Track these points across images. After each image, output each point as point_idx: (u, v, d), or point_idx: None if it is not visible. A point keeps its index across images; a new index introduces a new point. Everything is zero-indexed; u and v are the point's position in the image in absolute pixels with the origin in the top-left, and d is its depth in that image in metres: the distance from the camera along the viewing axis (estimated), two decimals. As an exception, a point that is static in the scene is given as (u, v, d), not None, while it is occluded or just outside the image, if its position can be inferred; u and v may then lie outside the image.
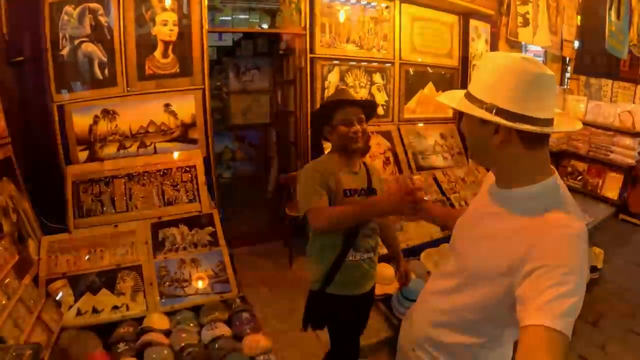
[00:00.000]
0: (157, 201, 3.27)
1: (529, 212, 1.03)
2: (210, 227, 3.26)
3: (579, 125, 1.13)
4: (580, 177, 7.01)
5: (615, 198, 6.59)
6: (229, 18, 3.94)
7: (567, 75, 7.55)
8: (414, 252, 3.81)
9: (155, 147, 3.46)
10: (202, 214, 3.32)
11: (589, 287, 4.05)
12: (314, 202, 1.81)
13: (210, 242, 3.18)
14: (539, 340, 0.83)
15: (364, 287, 2.04)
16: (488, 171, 1.23)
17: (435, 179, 4.70)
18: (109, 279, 2.78)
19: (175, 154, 3.48)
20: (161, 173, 3.36)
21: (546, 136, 1.04)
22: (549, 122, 1.00)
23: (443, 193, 4.60)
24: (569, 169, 7.25)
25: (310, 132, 4.24)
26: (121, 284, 2.78)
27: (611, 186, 6.76)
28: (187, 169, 3.45)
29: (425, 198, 1.53)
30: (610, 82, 6.91)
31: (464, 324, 1.17)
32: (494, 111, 1.00)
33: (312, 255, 2.02)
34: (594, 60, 5.92)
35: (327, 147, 2.14)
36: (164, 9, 3.37)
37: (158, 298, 2.77)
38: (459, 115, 1.23)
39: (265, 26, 4.25)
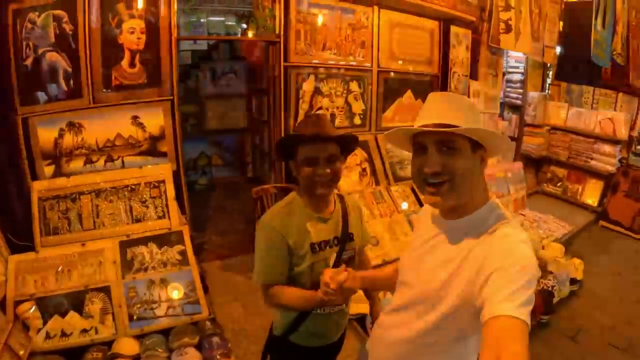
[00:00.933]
0: (126, 218, 3.31)
1: (478, 232, 1.17)
2: (180, 245, 3.31)
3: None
4: (560, 184, 7.23)
5: (596, 205, 6.91)
6: (204, 20, 3.89)
7: (548, 81, 7.71)
8: (392, 265, 3.81)
9: (123, 161, 3.49)
10: (171, 231, 3.37)
11: (569, 300, 4.21)
12: (266, 279, 1.69)
13: (180, 261, 3.24)
14: (504, 328, 0.95)
15: (331, 338, 1.89)
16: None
17: (413, 190, 4.79)
18: (77, 301, 2.82)
19: (144, 169, 3.50)
20: (129, 189, 3.40)
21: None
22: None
23: (421, 204, 4.64)
24: (549, 175, 7.45)
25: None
26: (90, 306, 2.82)
27: (591, 193, 6.99)
28: (156, 184, 3.49)
29: (343, 281, 1.42)
30: (591, 88, 7.10)
31: (428, 348, 1.28)
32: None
33: None
34: (575, 67, 6.09)
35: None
36: (131, 16, 3.35)
37: (127, 321, 2.83)
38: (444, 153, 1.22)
39: (244, 27, 4.21)
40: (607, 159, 6.64)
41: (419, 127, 1.19)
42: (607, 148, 6.66)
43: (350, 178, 4.41)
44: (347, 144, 1.76)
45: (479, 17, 5.44)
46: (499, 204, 1.24)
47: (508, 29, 5.37)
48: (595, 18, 5.15)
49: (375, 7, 4.64)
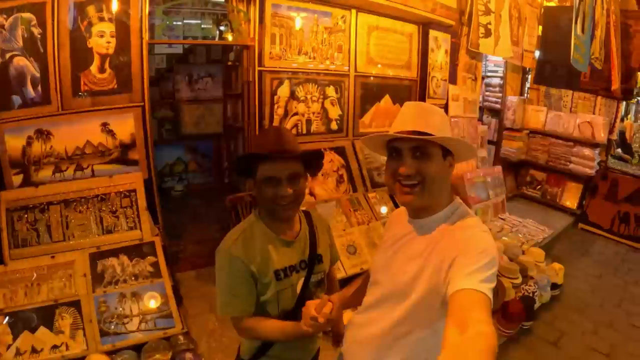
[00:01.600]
0: (96, 229, 3.30)
1: (444, 228, 1.31)
2: (152, 257, 3.32)
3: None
4: (539, 187, 7.41)
5: (575, 207, 7.16)
6: (180, 23, 3.86)
7: (527, 85, 7.87)
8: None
9: (92, 170, 3.47)
10: (143, 242, 3.37)
11: (550, 305, 4.28)
12: (235, 312, 1.58)
13: (152, 274, 3.24)
14: (467, 299, 1.04)
15: (303, 358, 1.82)
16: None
17: (391, 196, 4.83)
18: (47, 316, 2.80)
19: (114, 178, 3.48)
20: (99, 198, 3.38)
21: None
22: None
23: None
24: (528, 178, 7.61)
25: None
26: (60, 321, 2.80)
27: (570, 196, 7.17)
28: (127, 193, 3.49)
29: (329, 313, 1.38)
30: (570, 92, 7.26)
31: (400, 340, 1.35)
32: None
33: None
34: (554, 71, 6.21)
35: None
36: (101, 19, 3.32)
37: (98, 336, 2.82)
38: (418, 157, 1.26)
39: (221, 30, 4.19)
40: (586, 162, 6.83)
41: (396, 133, 1.29)
42: (586, 151, 6.84)
43: (327, 185, 4.43)
44: (311, 160, 1.66)
45: (458, 21, 5.55)
46: (462, 202, 1.39)
47: (487, 33, 5.45)
48: (575, 22, 5.24)
49: (353, 11, 4.69)
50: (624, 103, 8.25)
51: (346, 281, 2.83)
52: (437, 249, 1.26)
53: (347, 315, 2.08)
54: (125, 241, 3.29)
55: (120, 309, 2.95)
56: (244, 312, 1.57)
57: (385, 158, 1.40)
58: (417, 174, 1.28)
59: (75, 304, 2.88)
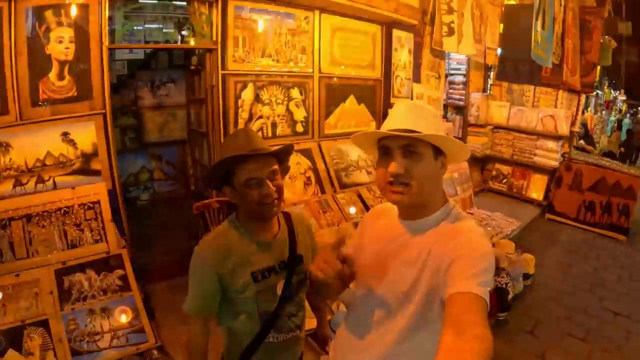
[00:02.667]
0: (60, 244, 3.19)
1: (438, 231, 1.29)
2: (119, 270, 3.24)
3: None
4: (505, 180, 7.64)
5: (541, 199, 7.51)
6: (140, 28, 3.80)
7: (490, 81, 8.08)
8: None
9: (54, 182, 3.35)
10: (110, 255, 3.28)
11: (524, 295, 4.41)
12: (192, 310, 1.63)
13: (120, 287, 3.17)
14: (465, 303, 1.04)
15: None
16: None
17: (359, 196, 4.88)
18: (15, 338, 2.69)
19: (77, 189, 3.38)
20: (62, 212, 3.27)
21: None
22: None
23: (367, 210, 4.69)
24: (494, 172, 7.82)
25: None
26: (29, 342, 2.70)
27: (536, 187, 7.42)
28: (91, 205, 3.39)
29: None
30: (532, 87, 7.49)
31: (398, 347, 1.31)
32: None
33: (222, 325, 1.74)
34: (515, 67, 6.40)
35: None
36: (60, 24, 3.21)
37: (70, 355, 2.73)
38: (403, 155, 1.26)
39: (183, 34, 4.13)
40: (550, 155, 7.11)
41: (386, 131, 1.27)
42: (549, 144, 7.12)
43: (295, 187, 4.42)
44: (285, 155, 1.71)
45: (421, 20, 5.64)
46: (456, 205, 1.39)
47: (451, 32, 5.56)
48: (536, 19, 5.41)
49: (317, 12, 4.71)
50: (585, 96, 8.56)
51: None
52: (434, 252, 1.24)
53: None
54: (91, 255, 3.20)
55: (91, 326, 2.87)
56: (200, 313, 1.63)
57: (374, 160, 1.42)
58: (406, 173, 1.24)
59: (44, 324, 2.78)
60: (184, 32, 3.87)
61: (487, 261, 1.15)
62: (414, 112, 1.29)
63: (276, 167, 1.60)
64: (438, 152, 1.29)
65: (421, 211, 1.33)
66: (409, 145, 1.24)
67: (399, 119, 1.28)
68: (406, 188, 1.25)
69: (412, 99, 5.87)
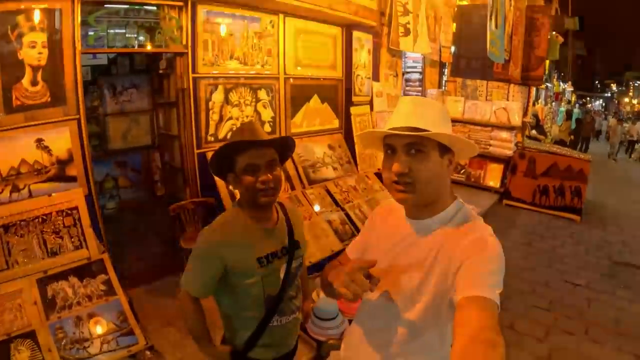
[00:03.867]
0: (40, 253, 3.07)
1: (447, 230, 1.26)
2: (102, 275, 3.15)
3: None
4: (463, 171, 7.95)
5: (498, 186, 7.85)
6: (104, 34, 3.74)
7: (445, 78, 8.36)
8: (318, 267, 3.92)
9: (29, 190, 3.23)
10: (91, 261, 3.19)
11: None
12: (188, 288, 1.68)
13: (105, 292, 3.08)
14: (474, 307, 1.03)
15: (288, 346, 1.91)
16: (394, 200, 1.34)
17: (327, 191, 4.98)
18: (2, 352, 2.59)
19: (54, 196, 3.27)
20: (40, 220, 3.15)
21: None
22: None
23: (337, 204, 4.85)
24: (452, 163, 8.11)
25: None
26: (17, 355, 2.60)
27: (493, 176, 7.76)
28: (69, 211, 3.28)
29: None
30: (485, 82, 7.78)
31: (407, 348, 1.31)
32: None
33: (225, 311, 1.79)
34: (469, 64, 6.67)
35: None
36: (32, 29, 3.10)
37: None
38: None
39: (143, 40, 4.10)
40: (504, 144, 7.49)
41: (390, 129, 1.23)
42: (503, 134, 7.49)
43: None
44: (285, 147, 1.79)
45: (379, 21, 5.79)
46: (464, 203, 1.36)
47: (407, 32, 5.75)
48: (490, 19, 5.68)
49: (281, 15, 4.77)
50: (535, 89, 9.01)
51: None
52: (443, 252, 1.22)
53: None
54: (72, 262, 3.10)
55: (79, 333, 2.79)
56: (196, 292, 1.69)
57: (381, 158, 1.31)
58: (410, 172, 1.20)
59: (31, 335, 2.67)
60: (154, 37, 3.84)
61: (497, 262, 1.14)
62: (420, 108, 1.24)
63: (275, 157, 1.67)
64: (445, 149, 1.23)
65: (428, 210, 1.30)
66: (414, 143, 1.19)
67: (404, 116, 1.24)
68: (410, 187, 1.21)
69: (372, 97, 6.05)
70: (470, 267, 1.12)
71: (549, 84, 17.61)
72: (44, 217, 3.16)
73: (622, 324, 4.01)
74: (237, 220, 1.71)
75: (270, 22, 4.68)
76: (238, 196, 1.78)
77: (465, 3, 7.04)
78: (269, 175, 1.61)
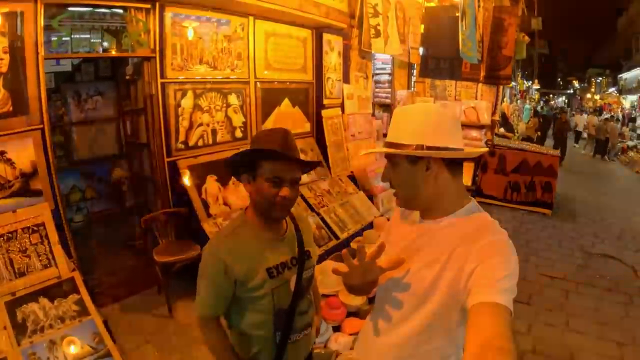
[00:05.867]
0: (7, 274, 2.87)
1: (461, 232, 1.26)
2: (74, 295, 2.99)
3: (484, 149, 1.54)
4: (432, 170, 7.94)
5: (470, 184, 7.92)
6: (68, 39, 3.59)
7: (413, 79, 8.42)
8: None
9: (-7, 207, 3.02)
10: (61, 279, 3.02)
11: None
12: (202, 312, 1.62)
13: (78, 312, 2.91)
14: (486, 313, 1.03)
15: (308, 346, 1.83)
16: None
17: (301, 196, 4.87)
18: None
19: (19, 212, 3.08)
20: (5, 238, 2.97)
21: (461, 163, 1.33)
22: (462, 150, 1.29)
23: (312, 209, 4.77)
24: (424, 163, 8.22)
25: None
26: None
27: (464, 174, 7.70)
28: (35, 228, 3.11)
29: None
30: (453, 82, 7.85)
31: (419, 349, 1.32)
32: (424, 148, 1.24)
33: (233, 328, 1.70)
34: (437, 65, 6.72)
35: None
36: None
37: None
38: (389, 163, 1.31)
39: (106, 45, 3.95)
40: (474, 143, 7.57)
41: (373, 150, 1.35)
42: (473, 133, 7.58)
43: (240, 193, 4.33)
44: (309, 170, 1.74)
45: (349, 24, 5.76)
46: (479, 207, 1.35)
47: (377, 34, 5.73)
48: (461, 20, 5.72)
49: (251, 18, 4.68)
50: (502, 87, 9.17)
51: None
52: (454, 256, 1.22)
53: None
54: (42, 282, 2.92)
55: (54, 357, 2.61)
56: (211, 314, 1.63)
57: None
58: (390, 180, 1.35)
59: None
60: (120, 41, 3.69)
61: (510, 267, 1.13)
62: (399, 121, 1.32)
63: (300, 177, 1.60)
64: (415, 157, 1.27)
65: (433, 212, 1.34)
66: (389, 156, 1.34)
67: (389, 131, 1.35)
68: (395, 192, 1.36)
69: (343, 99, 6.01)
70: (483, 272, 1.12)
71: (514, 83, 18.03)
72: (9, 234, 2.99)
73: (602, 313, 4.10)
74: (245, 229, 1.63)
75: (240, 25, 4.58)
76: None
77: (432, 4, 7.10)
78: (291, 192, 1.55)
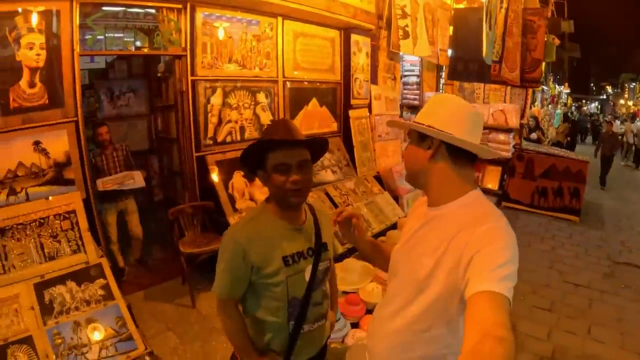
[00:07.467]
0: (37, 257, 3.02)
1: (460, 219, 1.26)
2: (101, 279, 3.10)
3: (502, 154, 1.46)
4: (461, 173, 7.82)
5: (496, 188, 7.78)
6: (102, 37, 3.72)
7: (442, 81, 8.32)
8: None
9: (27, 194, 3.19)
10: (89, 265, 3.14)
11: None
12: (220, 293, 1.65)
13: (103, 297, 3.02)
14: (484, 303, 1.02)
15: (309, 353, 1.79)
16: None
17: (327, 194, 4.94)
18: None
19: (51, 200, 3.23)
20: (37, 223, 3.10)
21: (473, 157, 1.34)
22: (466, 142, 1.30)
23: (336, 207, 4.77)
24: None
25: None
26: None
27: (491, 178, 7.70)
28: (66, 215, 3.24)
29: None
30: (482, 85, 7.74)
31: (420, 335, 1.34)
32: (433, 129, 1.30)
33: (247, 314, 1.72)
34: (466, 67, 6.64)
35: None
36: (30, 30, 3.06)
37: None
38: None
39: (139, 44, 4.07)
40: (502, 147, 7.43)
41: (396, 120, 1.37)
42: (501, 136, 7.44)
43: (265, 189, 4.39)
44: (318, 148, 1.72)
45: (377, 25, 5.76)
46: (480, 196, 1.35)
47: (406, 35, 5.72)
48: (485, 21, 5.66)
49: (280, 18, 4.74)
50: (532, 91, 9.01)
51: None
52: (454, 242, 1.23)
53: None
54: (70, 266, 3.05)
55: (77, 338, 2.72)
56: (228, 296, 1.65)
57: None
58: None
59: (28, 341, 2.61)
60: (152, 39, 3.81)
61: (509, 253, 1.12)
62: (428, 104, 1.40)
63: (308, 157, 1.62)
64: (422, 137, 1.34)
65: (437, 200, 1.36)
66: (409, 131, 1.42)
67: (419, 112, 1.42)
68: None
69: (370, 100, 6.02)
70: (481, 260, 1.11)
71: (545, 87, 17.62)
72: (42, 220, 3.12)
73: (625, 323, 3.98)
74: (264, 217, 1.66)
75: (269, 25, 4.65)
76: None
77: (461, 6, 7.03)
78: (299, 176, 1.56)
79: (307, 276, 1.68)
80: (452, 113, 1.33)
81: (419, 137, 1.35)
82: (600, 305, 4.30)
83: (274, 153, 1.56)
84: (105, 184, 3.99)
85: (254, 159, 1.63)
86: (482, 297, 1.04)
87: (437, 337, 1.31)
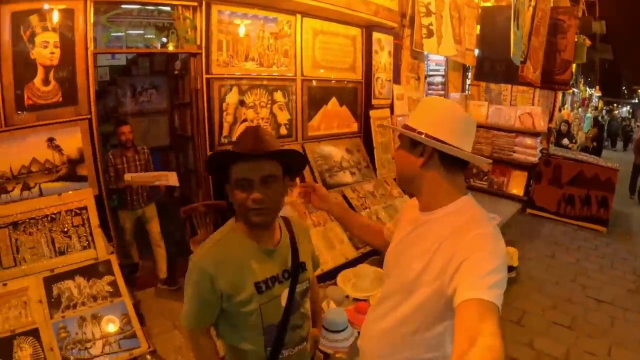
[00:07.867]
0: (48, 251, 3.09)
1: (450, 225, 1.27)
2: (109, 276, 3.14)
3: (486, 160, 1.49)
4: (485, 178, 7.74)
5: (521, 194, 7.59)
6: (122, 34, 3.76)
7: (468, 82, 8.16)
8: (330, 275, 3.78)
9: (40, 189, 3.26)
10: (98, 261, 3.19)
11: (509, 286, 4.49)
12: (188, 324, 1.52)
13: (110, 293, 3.06)
14: (473, 311, 1.02)
15: None
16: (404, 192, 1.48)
17: (344, 196, 4.87)
18: (5, 349, 2.59)
19: (64, 195, 3.29)
20: (49, 218, 3.18)
21: (464, 163, 1.34)
22: (458, 149, 1.29)
23: (354, 210, 4.69)
24: (474, 170, 7.89)
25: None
26: (19, 352, 2.60)
27: (516, 183, 7.52)
28: (78, 211, 3.30)
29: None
30: (509, 86, 7.56)
31: (408, 338, 1.35)
32: (423, 135, 1.30)
33: (224, 342, 1.60)
34: (493, 67, 6.49)
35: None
36: (45, 28, 3.13)
37: None
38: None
39: (164, 40, 4.10)
40: (529, 151, 7.24)
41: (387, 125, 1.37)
42: (528, 141, 7.25)
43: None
44: (291, 160, 1.51)
45: (400, 23, 5.66)
46: (472, 202, 1.35)
47: (430, 34, 5.62)
48: (513, 20, 5.50)
49: (298, 16, 4.70)
50: (562, 94, 8.74)
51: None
52: (442, 249, 1.23)
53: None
54: (79, 262, 3.11)
55: (82, 333, 2.77)
56: (197, 326, 1.53)
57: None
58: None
59: (34, 333, 2.68)
60: (167, 37, 3.82)
61: (497, 260, 1.12)
62: (419, 107, 1.43)
63: (274, 173, 1.44)
64: (414, 143, 1.34)
65: (427, 205, 1.37)
66: (400, 135, 1.42)
67: (410, 115, 1.49)
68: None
69: (392, 100, 5.93)
70: (470, 267, 1.12)
71: (575, 89, 17.10)
72: (53, 216, 3.20)
73: (647, 345, 3.82)
74: (233, 237, 1.51)
75: (287, 22, 4.62)
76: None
77: (489, 4, 6.87)
78: (261, 193, 1.40)
79: (284, 302, 1.55)
80: (444, 118, 1.33)
81: (411, 143, 1.35)
82: (623, 325, 4.12)
83: (237, 166, 1.41)
84: (134, 177, 3.98)
85: (219, 172, 1.48)
86: (471, 304, 1.04)
87: (424, 341, 1.33)
